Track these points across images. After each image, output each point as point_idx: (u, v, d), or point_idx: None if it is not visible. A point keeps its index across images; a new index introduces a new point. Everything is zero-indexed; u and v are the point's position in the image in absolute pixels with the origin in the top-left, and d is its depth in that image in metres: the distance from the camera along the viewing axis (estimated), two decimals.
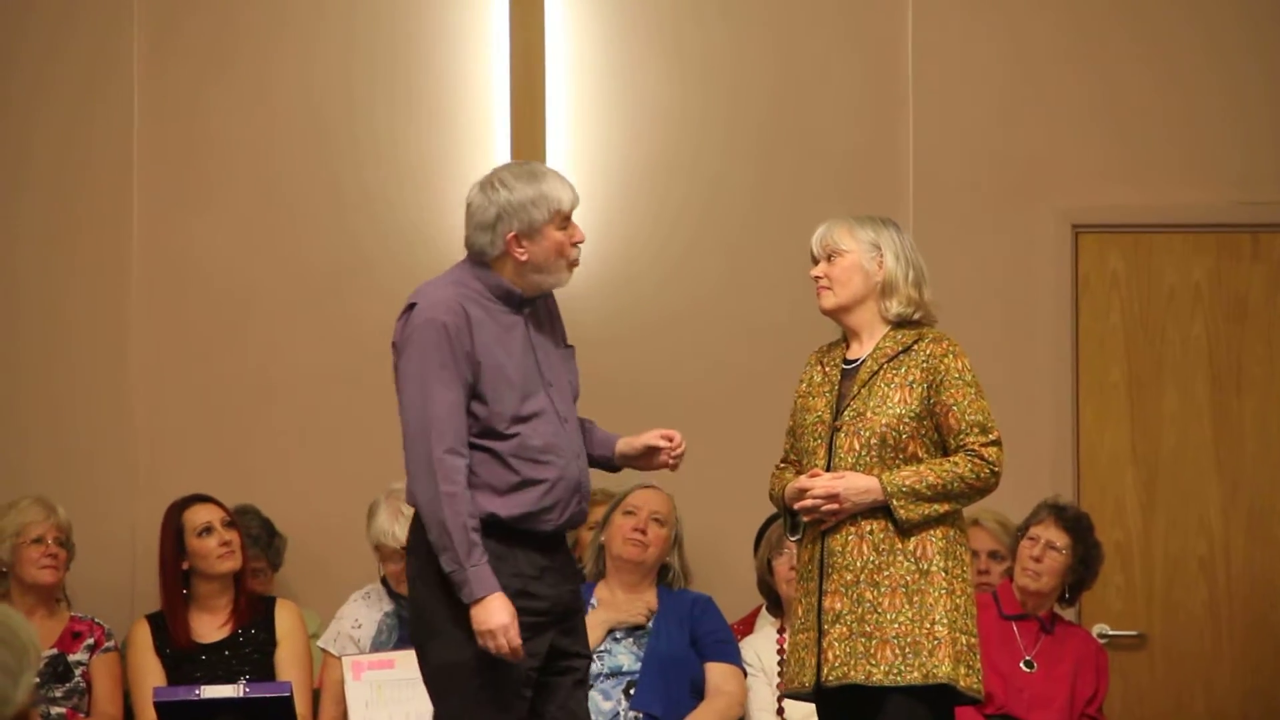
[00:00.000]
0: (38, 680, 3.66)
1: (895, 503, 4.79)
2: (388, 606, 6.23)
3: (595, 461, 4.89)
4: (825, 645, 4.83)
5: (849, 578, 4.83)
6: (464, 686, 4.64)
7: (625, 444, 4.89)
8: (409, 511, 4.82)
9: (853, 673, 4.79)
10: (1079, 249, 6.87)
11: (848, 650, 4.80)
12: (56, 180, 6.95)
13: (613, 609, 6.01)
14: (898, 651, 4.77)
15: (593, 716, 5.10)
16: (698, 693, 6.00)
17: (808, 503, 4.85)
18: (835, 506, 4.83)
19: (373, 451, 6.52)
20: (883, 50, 6.90)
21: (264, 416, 6.91)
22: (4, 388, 6.94)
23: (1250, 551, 6.82)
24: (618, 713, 5.90)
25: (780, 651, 6.02)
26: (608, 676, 5.93)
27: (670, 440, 4.85)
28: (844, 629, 4.81)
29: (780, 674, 5.95)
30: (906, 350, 4.90)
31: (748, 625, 6.40)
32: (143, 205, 6.95)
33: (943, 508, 4.82)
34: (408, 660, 5.27)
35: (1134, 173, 6.88)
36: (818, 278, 4.98)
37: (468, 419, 4.64)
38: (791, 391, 5.06)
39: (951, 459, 4.85)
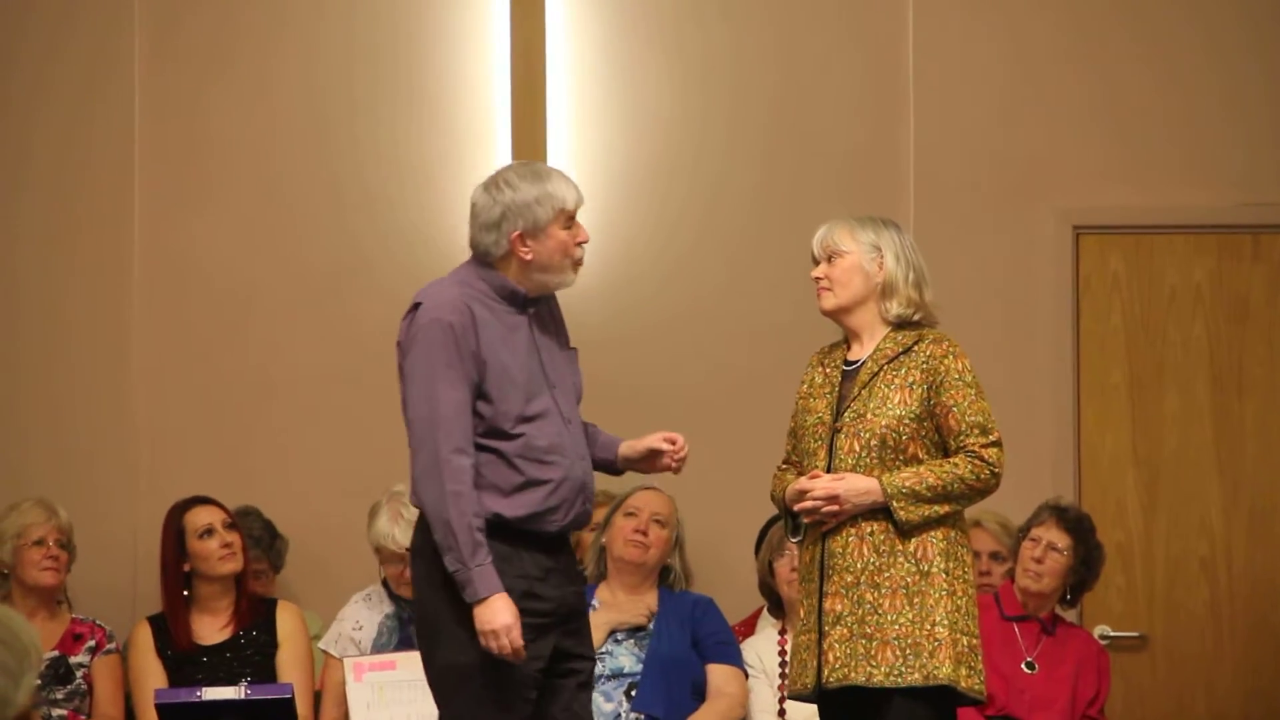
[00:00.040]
0: (39, 682, 3.66)
1: (895, 504, 4.79)
2: (388, 608, 6.22)
3: (598, 464, 4.88)
4: (826, 647, 4.82)
5: (849, 579, 4.83)
6: (469, 688, 4.63)
7: (628, 447, 4.88)
8: (409, 514, 4.82)
9: (853, 674, 4.79)
10: (1080, 250, 6.86)
11: (848, 652, 4.80)
12: (57, 180, 6.95)
13: (614, 610, 6.01)
14: (898, 653, 4.77)
15: (594, 718, 5.09)
16: (699, 694, 6.00)
17: (808, 504, 4.85)
18: (835, 508, 4.83)
19: (374, 452, 6.53)
20: (883, 51, 6.89)
21: (265, 417, 6.90)
22: (4, 388, 6.94)
23: (1251, 552, 6.82)
24: (619, 714, 5.90)
25: (782, 653, 6.02)
26: (609, 678, 5.92)
27: (673, 443, 4.84)
28: (845, 630, 4.81)
29: (782, 675, 5.95)
30: (907, 351, 4.90)
31: (749, 627, 6.39)
32: (143, 205, 6.94)
33: (943, 509, 4.82)
34: (409, 662, 5.27)
35: (1135, 173, 6.87)
36: (818, 279, 4.98)
37: (473, 419, 4.63)
38: (792, 393, 5.05)
39: (952, 460, 4.84)
